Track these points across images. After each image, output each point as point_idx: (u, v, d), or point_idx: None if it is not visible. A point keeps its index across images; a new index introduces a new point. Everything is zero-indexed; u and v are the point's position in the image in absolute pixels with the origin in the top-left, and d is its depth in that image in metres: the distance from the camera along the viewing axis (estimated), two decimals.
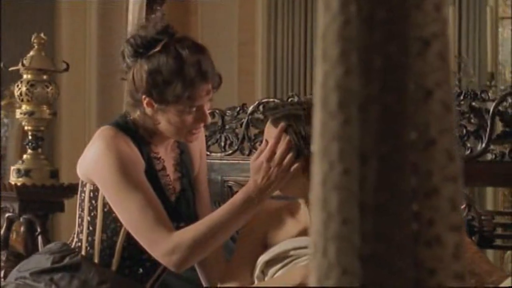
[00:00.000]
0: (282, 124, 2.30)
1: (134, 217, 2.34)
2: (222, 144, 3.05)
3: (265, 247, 2.42)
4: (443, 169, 0.96)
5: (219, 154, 3.05)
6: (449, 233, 0.96)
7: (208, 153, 3.02)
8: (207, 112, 2.42)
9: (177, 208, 2.48)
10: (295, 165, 2.29)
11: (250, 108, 3.02)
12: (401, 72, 0.95)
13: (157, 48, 2.34)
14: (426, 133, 0.96)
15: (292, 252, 2.34)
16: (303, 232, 2.39)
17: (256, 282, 2.38)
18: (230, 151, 3.05)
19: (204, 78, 2.36)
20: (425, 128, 0.96)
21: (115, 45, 5.69)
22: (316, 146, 0.97)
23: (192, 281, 2.79)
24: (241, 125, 3.04)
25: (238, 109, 3.03)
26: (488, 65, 5.24)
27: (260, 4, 6.52)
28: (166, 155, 2.51)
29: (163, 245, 2.33)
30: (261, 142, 3.02)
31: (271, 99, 3.02)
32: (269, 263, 2.37)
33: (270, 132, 2.37)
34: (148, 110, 2.39)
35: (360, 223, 0.95)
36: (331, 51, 0.96)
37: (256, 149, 3.03)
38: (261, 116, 3.00)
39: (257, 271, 2.38)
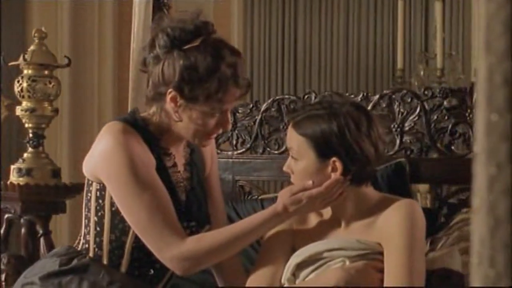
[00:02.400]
0: (338, 177, 2.23)
1: (142, 218, 2.24)
2: (234, 142, 2.97)
3: (293, 249, 2.34)
4: None
5: (230, 153, 2.97)
6: None
7: (219, 151, 2.94)
8: (229, 118, 2.35)
9: (188, 207, 2.39)
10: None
11: (264, 106, 2.94)
12: None
13: (196, 43, 2.24)
14: None
15: (325, 254, 2.26)
16: (334, 233, 2.32)
17: (286, 284, 2.30)
18: (243, 150, 2.97)
19: (237, 82, 2.27)
20: None
21: (86, 41, 5.58)
22: (479, 147, 0.89)
23: (200, 283, 2.71)
24: (254, 123, 2.96)
25: (251, 106, 2.95)
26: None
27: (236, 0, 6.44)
28: (176, 153, 2.41)
29: (174, 249, 2.23)
30: (276, 140, 2.96)
31: (286, 96, 2.94)
32: (301, 265, 2.28)
33: (293, 136, 2.28)
34: (169, 106, 2.29)
35: None
36: (497, 43, 0.88)
37: (270, 147, 2.96)
38: (275, 114, 2.93)
39: (288, 274, 2.29)
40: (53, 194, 3.09)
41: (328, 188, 2.24)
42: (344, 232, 2.31)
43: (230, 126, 2.39)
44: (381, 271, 2.22)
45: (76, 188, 3.14)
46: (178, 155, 2.42)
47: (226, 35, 6.49)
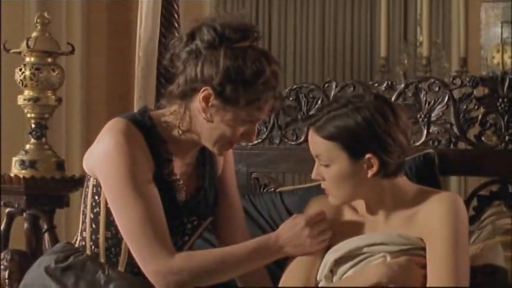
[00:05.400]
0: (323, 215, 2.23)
1: (133, 226, 2.17)
2: None
3: (328, 245, 2.25)
4: None
5: (244, 144, 2.87)
6: None
7: None
8: (256, 130, 2.28)
9: (189, 205, 2.31)
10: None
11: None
12: None
13: (246, 44, 2.17)
14: None
15: (365, 249, 2.17)
16: (372, 227, 2.23)
17: (323, 281, 2.21)
18: (258, 140, 2.88)
19: (275, 94, 2.21)
20: None
21: (54, 35, 5.43)
22: None
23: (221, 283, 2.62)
24: None
25: None
26: (461, 50, 5.17)
27: None
28: (183, 154, 2.31)
29: (161, 263, 2.16)
30: (294, 131, 2.86)
31: (305, 85, 2.85)
32: (339, 261, 2.19)
33: (317, 142, 2.17)
34: (199, 104, 2.18)
35: None
36: None
37: (287, 138, 2.87)
38: (293, 103, 2.85)
39: (325, 270, 2.20)
40: (60, 187, 2.98)
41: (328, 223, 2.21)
42: (383, 226, 2.23)
43: (253, 140, 2.37)
44: (425, 267, 2.14)
45: (83, 181, 3.02)
46: (184, 156, 2.32)
47: None
